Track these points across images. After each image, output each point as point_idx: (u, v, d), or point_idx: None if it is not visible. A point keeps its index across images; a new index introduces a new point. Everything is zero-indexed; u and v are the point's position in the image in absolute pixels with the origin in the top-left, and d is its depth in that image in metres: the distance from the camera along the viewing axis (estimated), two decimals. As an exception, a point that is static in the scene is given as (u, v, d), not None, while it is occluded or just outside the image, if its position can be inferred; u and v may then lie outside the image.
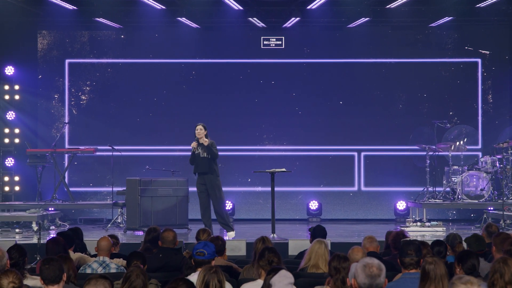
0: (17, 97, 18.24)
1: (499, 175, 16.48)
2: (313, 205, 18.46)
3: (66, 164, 18.16)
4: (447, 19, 17.63)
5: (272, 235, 13.31)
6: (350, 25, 18.16)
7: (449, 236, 8.93)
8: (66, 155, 18.20)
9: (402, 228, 13.01)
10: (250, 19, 17.85)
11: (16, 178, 18.10)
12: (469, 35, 18.63)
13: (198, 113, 18.01)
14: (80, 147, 17.69)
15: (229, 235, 13.66)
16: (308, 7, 17.29)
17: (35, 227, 15.18)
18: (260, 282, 6.49)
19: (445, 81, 18.66)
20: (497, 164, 16.55)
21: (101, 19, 17.52)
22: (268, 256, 6.84)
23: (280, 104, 18.66)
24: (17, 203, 17.36)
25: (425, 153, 17.16)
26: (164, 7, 17.22)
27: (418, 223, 15.36)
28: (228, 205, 17.96)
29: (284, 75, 18.75)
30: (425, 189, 16.98)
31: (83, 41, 18.88)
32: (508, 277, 5.55)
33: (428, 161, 17.04)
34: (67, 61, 18.79)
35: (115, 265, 8.03)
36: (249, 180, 18.57)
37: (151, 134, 18.61)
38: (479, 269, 6.87)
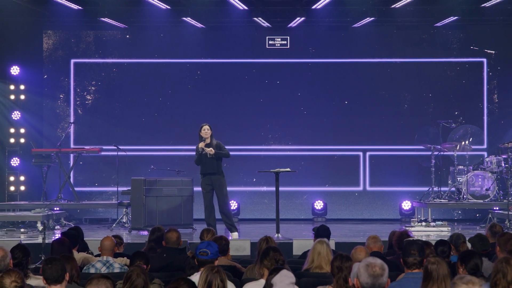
0: (22, 97, 18.28)
1: (505, 175, 16.44)
2: (318, 205, 18.45)
3: (71, 164, 18.17)
4: (452, 18, 17.60)
5: (276, 235, 13.31)
6: (355, 25, 18.15)
7: (453, 236, 8.91)
8: (72, 155, 18.21)
9: (406, 228, 12.99)
10: (255, 19, 17.85)
11: (22, 178, 18.13)
12: (474, 34, 18.60)
13: (203, 113, 18.03)
14: (85, 147, 17.71)
15: (233, 236, 13.64)
16: (313, 7, 17.27)
17: (40, 226, 15.20)
18: (262, 282, 6.48)
19: (451, 81, 18.63)
20: (503, 164, 16.52)
21: (106, 19, 17.54)
22: (271, 256, 6.83)
23: (285, 104, 18.65)
24: (22, 202, 17.38)
25: (430, 153, 17.14)
26: (169, 7, 17.23)
27: (423, 223, 15.34)
28: (233, 205, 17.99)
29: (289, 75, 18.75)
30: (430, 189, 16.96)
31: (89, 41, 18.90)
32: (510, 277, 5.54)
33: (433, 161, 17.02)
34: (72, 61, 18.82)
35: (118, 264, 8.03)
36: (254, 180, 18.57)
37: (156, 134, 18.62)
38: (483, 269, 6.85)
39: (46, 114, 18.72)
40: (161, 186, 15.26)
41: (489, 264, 7.34)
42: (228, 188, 14.11)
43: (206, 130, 13.73)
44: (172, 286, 5.27)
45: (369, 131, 18.57)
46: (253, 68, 18.81)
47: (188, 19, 17.76)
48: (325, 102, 18.67)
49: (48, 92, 18.70)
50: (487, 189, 16.50)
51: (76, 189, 17.75)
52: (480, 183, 16.63)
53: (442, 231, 14.76)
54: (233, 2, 16.95)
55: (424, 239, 11.85)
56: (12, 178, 18.08)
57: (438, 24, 18.11)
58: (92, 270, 7.90)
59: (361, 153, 18.73)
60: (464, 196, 16.49)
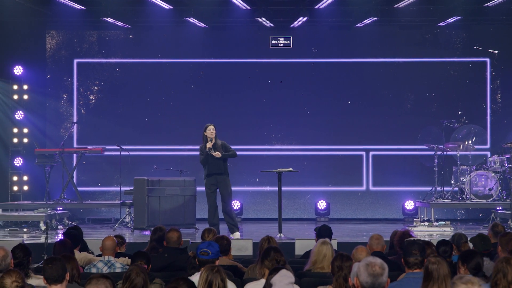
0: (25, 97, 18.30)
1: (508, 174, 16.43)
2: (321, 204, 18.45)
3: (74, 164, 18.19)
4: (455, 18, 17.59)
5: (279, 234, 13.30)
6: (358, 25, 18.14)
7: (455, 235, 8.90)
8: (75, 155, 18.23)
9: (408, 228, 12.97)
10: (258, 18, 17.85)
11: (25, 178, 18.16)
12: (477, 34, 18.58)
13: (206, 112, 18.04)
14: (88, 147, 17.73)
15: (235, 236, 13.62)
16: (316, 7, 17.27)
17: (42, 226, 15.21)
18: (263, 281, 6.48)
19: (454, 80, 18.62)
20: (506, 164, 16.50)
21: (109, 19, 17.56)
22: (272, 257, 6.83)
23: (288, 103, 18.65)
24: (25, 202, 17.42)
25: (433, 152, 17.13)
26: (172, 7, 17.23)
27: (426, 223, 15.33)
28: (236, 205, 18.00)
29: (292, 75, 18.75)
30: (433, 188, 16.95)
31: (92, 41, 18.92)
32: (511, 277, 5.53)
33: (436, 161, 17.00)
34: (75, 60, 18.83)
35: (120, 264, 8.03)
36: (257, 179, 18.57)
37: (159, 133, 18.63)
38: (484, 269, 6.84)
39: (49, 114, 18.74)
40: (164, 186, 15.27)
41: (491, 264, 7.32)
42: (231, 188, 14.10)
43: (212, 130, 13.66)
44: (171, 286, 5.27)
45: (372, 131, 18.56)
46: (256, 68, 18.81)
47: (191, 19, 17.77)
48: (328, 102, 18.66)
49: (51, 92, 18.72)
50: (490, 189, 16.48)
51: (79, 189, 17.77)
52: (483, 183, 16.61)
53: (444, 231, 14.75)
54: (236, 2, 16.95)
55: (427, 239, 11.85)
56: (15, 178, 18.11)
57: (441, 24, 18.10)
58: (93, 270, 7.90)
59: (364, 153, 18.72)
60: (467, 196, 16.48)
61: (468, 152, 17.10)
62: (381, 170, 18.63)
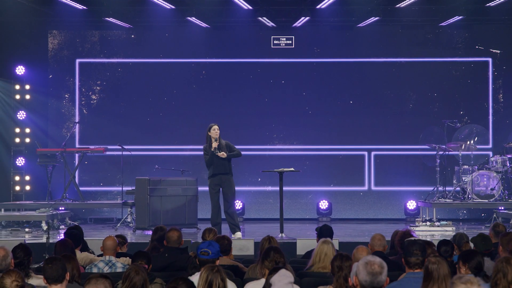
0: (27, 96, 18.32)
1: (510, 174, 16.42)
2: (323, 204, 18.44)
3: (76, 164, 18.20)
4: (457, 18, 17.58)
5: (280, 234, 13.29)
6: (360, 25, 18.14)
7: (456, 235, 8.91)
8: (76, 155, 18.24)
9: (409, 228, 12.95)
10: (260, 18, 17.85)
11: (27, 178, 18.17)
12: (479, 34, 18.57)
13: (208, 112, 18.05)
14: (90, 147, 17.73)
15: (236, 236, 13.60)
16: (318, 7, 17.27)
17: (44, 226, 15.21)
18: (263, 281, 6.48)
19: (456, 80, 18.61)
20: (508, 164, 16.49)
21: (111, 19, 17.56)
22: (272, 257, 6.83)
23: (290, 103, 18.65)
24: (27, 202, 17.43)
25: (435, 152, 17.12)
26: (173, 7, 17.24)
27: (428, 223, 15.32)
28: (238, 205, 18.00)
29: (294, 75, 18.75)
30: (435, 188, 16.94)
31: (94, 40, 18.93)
32: (511, 277, 5.53)
33: (438, 161, 16.99)
34: (77, 60, 18.85)
35: (121, 264, 8.04)
36: (259, 179, 18.57)
37: (161, 133, 18.64)
38: (485, 269, 6.83)
39: (51, 114, 18.76)
40: (166, 185, 15.28)
41: (491, 264, 7.32)
42: (235, 188, 14.06)
43: (216, 130, 13.61)
44: (171, 286, 5.27)
45: (374, 131, 18.56)
46: (258, 68, 18.81)
47: (193, 19, 17.77)
48: (330, 101, 18.66)
49: (53, 92, 18.74)
50: (492, 189, 16.46)
51: (81, 188, 17.77)
52: (485, 182, 16.59)
53: (446, 231, 14.74)
54: (238, 1, 16.95)
55: (428, 239, 11.84)
56: (17, 178, 18.13)
57: (443, 24, 18.08)
58: (94, 270, 7.90)
59: (366, 153, 18.71)
60: (469, 196, 16.47)
61: (470, 152, 17.09)
62: (383, 170, 18.62)
